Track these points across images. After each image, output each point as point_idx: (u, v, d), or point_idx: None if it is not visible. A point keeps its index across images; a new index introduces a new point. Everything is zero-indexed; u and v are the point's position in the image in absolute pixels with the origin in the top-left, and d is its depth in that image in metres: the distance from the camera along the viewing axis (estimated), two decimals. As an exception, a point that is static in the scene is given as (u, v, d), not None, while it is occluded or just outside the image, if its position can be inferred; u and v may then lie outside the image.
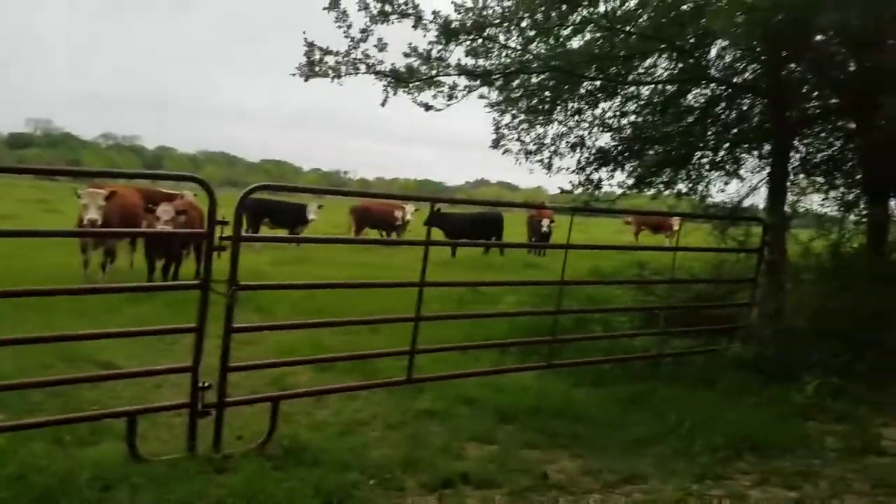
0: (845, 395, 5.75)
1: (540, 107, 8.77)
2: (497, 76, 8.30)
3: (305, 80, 8.19)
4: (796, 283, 7.15)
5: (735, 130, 8.83)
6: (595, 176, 8.98)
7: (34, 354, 5.33)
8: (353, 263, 13.58)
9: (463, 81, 8.41)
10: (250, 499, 3.40)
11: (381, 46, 8.11)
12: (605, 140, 9.15)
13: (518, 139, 9.26)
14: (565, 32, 8.19)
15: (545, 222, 18.12)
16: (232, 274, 4.03)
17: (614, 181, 9.00)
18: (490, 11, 7.95)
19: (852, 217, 8.54)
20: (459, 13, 7.96)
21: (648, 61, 8.71)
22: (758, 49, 7.62)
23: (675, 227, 22.51)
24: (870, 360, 6.19)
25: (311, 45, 8.05)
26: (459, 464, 4.16)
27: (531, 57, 8.04)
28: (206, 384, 4.02)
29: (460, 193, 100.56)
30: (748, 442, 4.73)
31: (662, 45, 8.00)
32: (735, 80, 8.50)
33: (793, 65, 7.85)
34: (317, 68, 8.11)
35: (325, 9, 7.85)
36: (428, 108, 8.58)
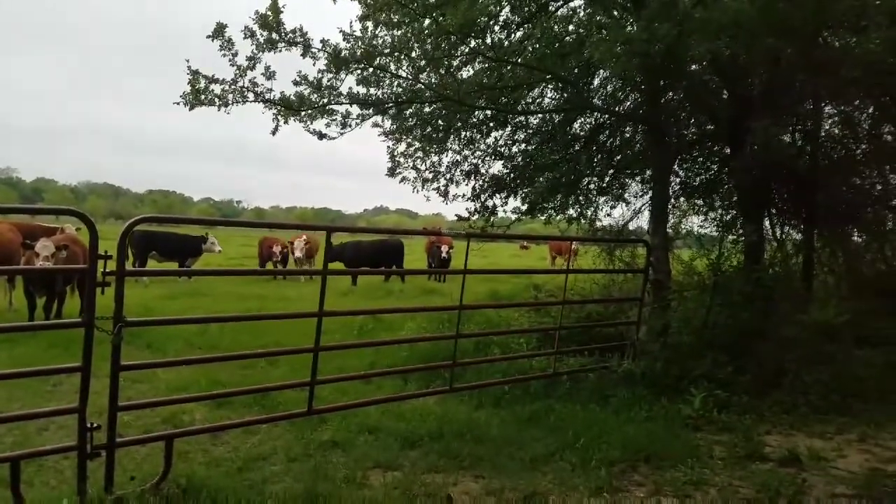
0: (730, 406, 6.14)
1: (434, 135, 9.00)
2: (390, 105, 8.43)
3: (190, 109, 7.98)
4: (681, 301, 7.62)
5: (619, 157, 9.43)
6: (490, 202, 9.30)
7: None
8: (248, 296, 13.32)
9: (356, 110, 8.49)
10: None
11: (269, 74, 8.04)
12: (497, 168, 9.51)
13: (413, 167, 9.47)
14: (455, 63, 8.46)
15: (444, 248, 18.55)
16: (117, 310, 3.88)
17: (508, 207, 9.34)
18: (380, 41, 8.10)
19: (730, 237, 9.03)
20: (349, 42, 8.05)
21: (536, 91, 9.17)
22: (637, 79, 8.18)
23: (574, 251, 23.81)
24: (751, 371, 6.65)
25: (195, 72, 7.88)
26: (363, 492, 4.15)
27: (422, 86, 8.24)
28: (95, 425, 3.81)
29: (361, 221, 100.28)
30: (642, 454, 4.98)
31: (547, 76, 8.44)
32: (617, 108, 9.10)
33: (670, 94, 8.48)
34: (202, 97, 7.93)
35: (208, 37, 7.71)
36: (321, 136, 8.58)
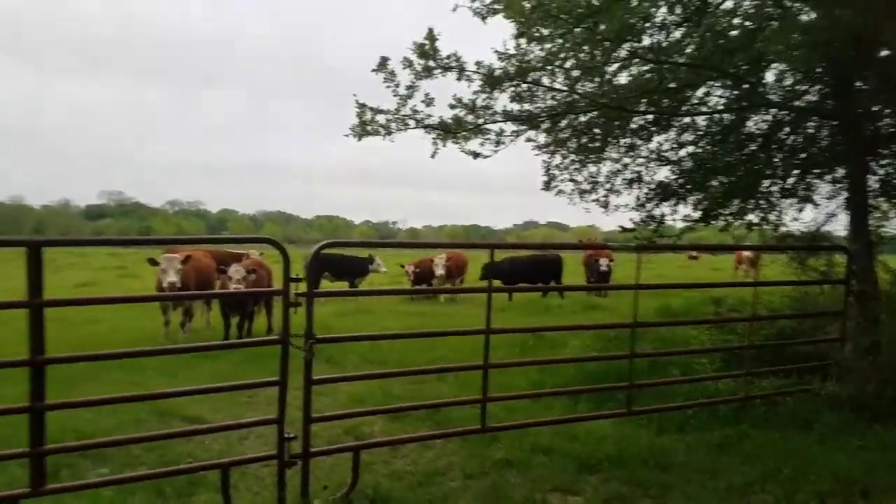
0: None
1: (591, 145, 8.74)
2: (543, 118, 8.33)
3: (359, 140, 8.49)
4: (891, 315, 6.66)
5: (803, 155, 8.51)
6: (657, 211, 8.81)
7: (129, 411, 5.76)
8: (409, 313, 13.92)
9: (510, 127, 8.50)
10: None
11: (428, 101, 8.35)
12: (663, 174, 9.01)
13: (570, 179, 9.25)
14: (611, 69, 8.19)
15: (604, 262, 17.58)
16: (308, 328, 4.11)
17: (678, 215, 8.78)
18: (532, 56, 8.05)
19: None
20: (502, 60, 8.10)
21: (701, 91, 8.59)
22: (818, 70, 7.40)
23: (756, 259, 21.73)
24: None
25: (362, 105, 8.36)
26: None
27: (578, 96, 8.05)
28: (291, 435, 4.07)
29: (510, 236, 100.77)
30: (857, 487, 4.41)
31: (714, 74, 7.89)
32: (797, 103, 8.25)
33: (859, 83, 7.57)
34: (368, 127, 8.39)
35: (373, 70, 8.15)
36: (476, 155, 8.72)
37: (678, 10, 7.79)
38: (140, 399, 4.70)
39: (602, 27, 7.13)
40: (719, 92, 8.57)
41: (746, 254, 21.91)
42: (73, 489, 3.81)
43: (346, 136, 8.53)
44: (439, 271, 17.73)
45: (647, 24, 7.66)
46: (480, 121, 8.41)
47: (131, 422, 5.62)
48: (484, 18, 8.00)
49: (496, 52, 8.15)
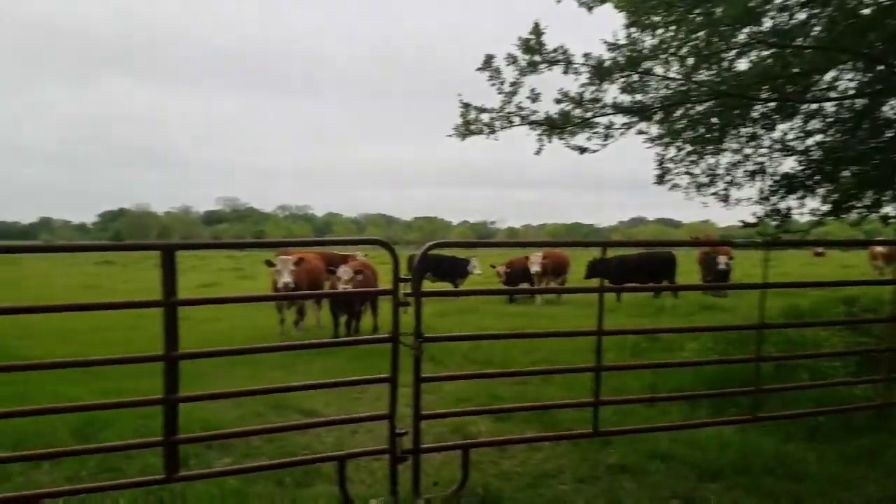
0: None
1: (708, 136, 8.27)
2: (657, 109, 7.97)
3: (462, 139, 8.48)
4: None
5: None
6: (783, 205, 8.20)
7: (249, 404, 6.08)
8: (510, 314, 13.85)
9: (619, 119, 8.21)
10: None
11: (534, 97, 8.20)
12: (789, 165, 8.38)
13: (686, 172, 8.80)
14: (730, 55, 7.71)
15: (722, 259, 16.34)
16: (417, 327, 4.15)
17: (805, 209, 8.12)
18: (644, 45, 7.73)
19: None
20: (611, 51, 7.82)
21: (829, 75, 7.93)
22: None
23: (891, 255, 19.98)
24: None
25: (466, 105, 8.34)
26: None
27: (694, 85, 7.64)
28: (403, 431, 4.12)
29: (616, 234, 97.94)
30: None
31: (844, 56, 7.24)
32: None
33: None
34: (472, 127, 8.36)
35: (478, 69, 8.11)
36: (583, 150, 8.47)
37: None
38: (261, 393, 4.97)
39: (719, 11, 6.72)
40: (850, 75, 7.88)
41: (881, 249, 20.09)
42: (202, 476, 4.06)
43: (450, 136, 8.57)
44: (535, 268, 17.10)
45: (768, 6, 7.15)
46: (588, 114, 8.19)
47: (251, 415, 5.93)
48: (590, 9, 7.79)
49: (605, 42, 7.91)
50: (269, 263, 10.46)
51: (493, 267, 18.45)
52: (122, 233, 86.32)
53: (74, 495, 3.79)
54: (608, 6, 7.71)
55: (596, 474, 4.66)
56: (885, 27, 6.53)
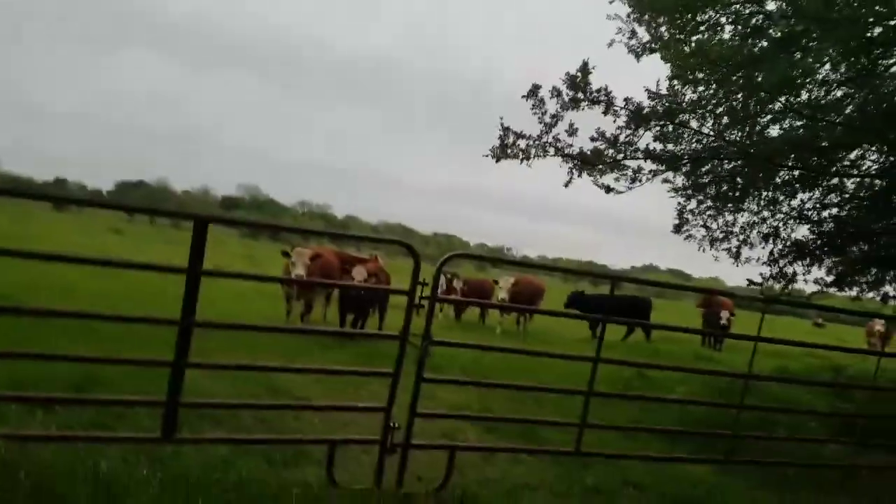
0: None
1: (730, 194, 8.56)
2: (685, 161, 8.27)
3: (497, 161, 8.79)
4: None
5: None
6: (789, 269, 8.45)
7: (245, 387, 6.20)
8: (510, 333, 13.99)
9: (648, 165, 8.51)
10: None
11: (572, 131, 8.52)
12: (802, 232, 8.64)
13: (703, 225, 9.07)
14: (763, 120, 8.01)
15: (724, 314, 16.49)
16: (427, 329, 4.39)
17: (810, 276, 8.36)
18: (685, 98, 8.04)
19: None
20: (652, 99, 8.14)
21: (855, 153, 8.18)
22: None
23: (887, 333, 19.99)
24: None
25: (506, 129, 8.69)
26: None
27: (724, 143, 7.93)
28: (396, 425, 4.38)
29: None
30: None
31: (870, 137, 7.50)
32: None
33: None
34: (509, 150, 8.69)
35: (523, 97, 8.47)
36: (608, 189, 8.76)
37: (843, 68, 7.51)
38: (265, 370, 5.16)
39: (760, 77, 7.04)
40: (874, 157, 8.12)
41: (879, 327, 20.13)
42: (197, 441, 4.22)
43: (486, 156, 8.91)
44: (501, 295, 15.57)
45: (808, 80, 7.45)
46: (620, 156, 8.50)
47: (246, 395, 6.03)
48: (638, 57, 8.15)
49: (647, 90, 8.24)
50: (286, 254, 10.64)
51: (449, 278, 16.85)
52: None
53: (69, 442, 3.84)
54: (655, 56, 8.05)
55: (572, 492, 4.90)
56: None
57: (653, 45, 7.97)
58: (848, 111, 7.54)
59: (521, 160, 8.63)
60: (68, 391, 4.93)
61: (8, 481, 3.18)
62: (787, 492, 5.41)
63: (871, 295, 8.25)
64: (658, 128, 8.23)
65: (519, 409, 7.03)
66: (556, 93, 8.38)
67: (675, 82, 8.01)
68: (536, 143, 8.51)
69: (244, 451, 4.55)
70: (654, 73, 8.15)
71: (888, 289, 8.15)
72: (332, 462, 4.27)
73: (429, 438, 5.49)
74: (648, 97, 8.21)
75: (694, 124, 8.10)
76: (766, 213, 8.78)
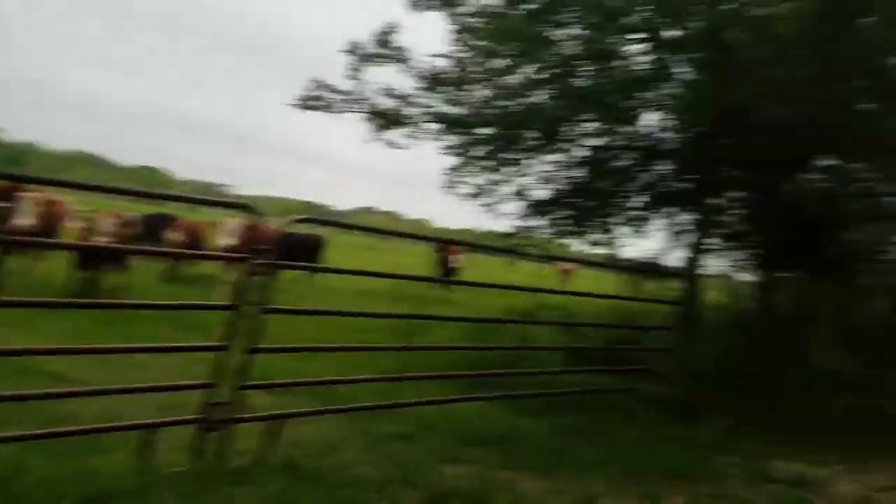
0: (744, 434, 6.56)
1: (490, 157, 9.45)
2: (461, 125, 9.00)
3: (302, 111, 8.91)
4: (704, 334, 8.20)
5: (652, 192, 9.86)
6: (532, 223, 9.73)
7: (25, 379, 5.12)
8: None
9: (433, 126, 9.06)
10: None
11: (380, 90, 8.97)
12: (540, 192, 9.95)
13: (467, 182, 9.87)
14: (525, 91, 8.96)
15: (455, 259, 18.82)
16: (262, 298, 4.35)
17: (548, 229, 9.76)
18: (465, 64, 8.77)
19: (754, 278, 9.57)
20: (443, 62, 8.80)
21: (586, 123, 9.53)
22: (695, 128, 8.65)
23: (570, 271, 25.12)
24: (763, 403, 7.21)
25: (318, 82, 8.89)
26: (445, 482, 4.51)
27: (489, 110, 8.77)
28: (221, 401, 4.22)
29: (347, 219, 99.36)
30: (674, 470, 5.46)
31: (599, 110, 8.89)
32: (660, 147, 9.54)
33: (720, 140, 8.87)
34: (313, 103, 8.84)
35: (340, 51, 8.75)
36: (392, 144, 9.18)
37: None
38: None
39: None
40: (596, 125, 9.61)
41: (563, 266, 25.08)
42: None
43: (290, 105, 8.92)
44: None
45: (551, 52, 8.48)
46: (418, 115, 8.98)
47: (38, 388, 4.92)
48: (419, 12, 8.74)
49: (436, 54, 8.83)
50: None
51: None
52: None
53: None
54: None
55: (380, 441, 5.27)
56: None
57: (432, 3, 8.37)
58: (579, 84, 8.78)
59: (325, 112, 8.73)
60: None
61: None
62: (544, 418, 6.52)
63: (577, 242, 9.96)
64: (446, 92, 8.75)
65: (302, 366, 6.98)
66: (361, 49, 8.57)
67: (457, 46, 8.57)
68: (347, 98, 8.70)
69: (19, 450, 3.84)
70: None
71: (595, 236, 9.90)
72: (147, 447, 3.98)
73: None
74: (434, 59, 8.78)
75: (476, 92, 8.76)
76: (515, 175, 9.88)
